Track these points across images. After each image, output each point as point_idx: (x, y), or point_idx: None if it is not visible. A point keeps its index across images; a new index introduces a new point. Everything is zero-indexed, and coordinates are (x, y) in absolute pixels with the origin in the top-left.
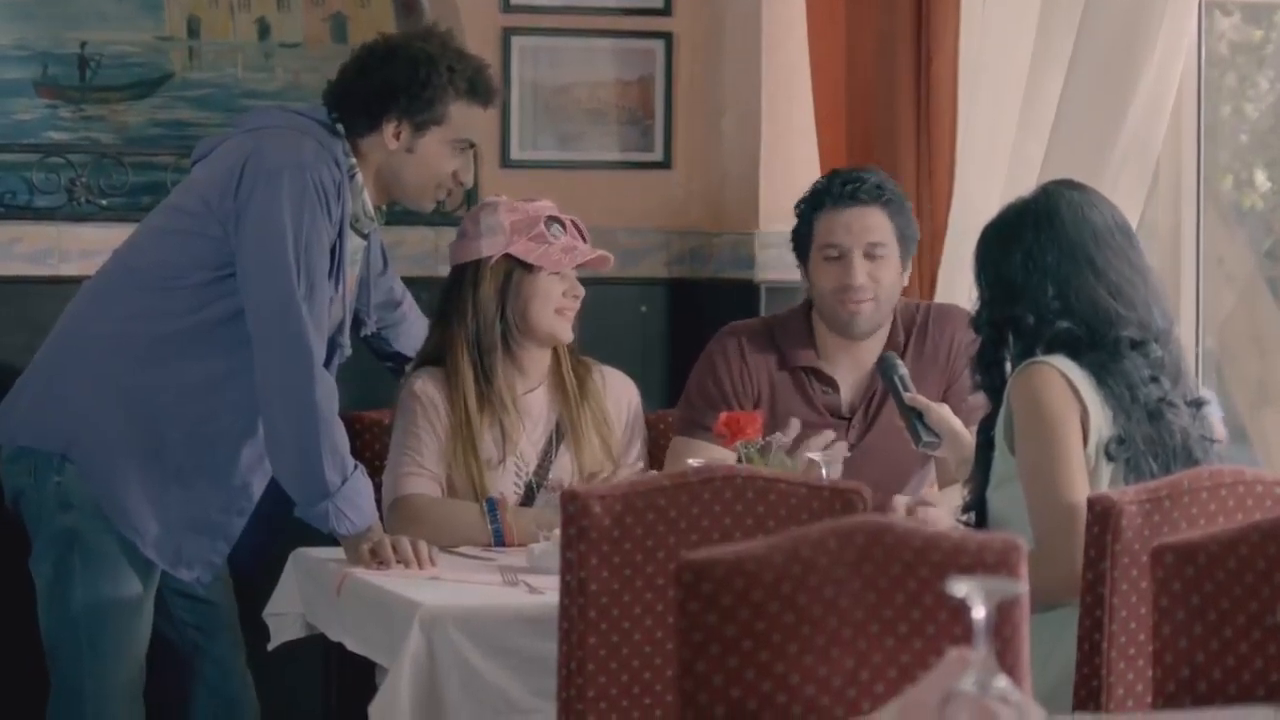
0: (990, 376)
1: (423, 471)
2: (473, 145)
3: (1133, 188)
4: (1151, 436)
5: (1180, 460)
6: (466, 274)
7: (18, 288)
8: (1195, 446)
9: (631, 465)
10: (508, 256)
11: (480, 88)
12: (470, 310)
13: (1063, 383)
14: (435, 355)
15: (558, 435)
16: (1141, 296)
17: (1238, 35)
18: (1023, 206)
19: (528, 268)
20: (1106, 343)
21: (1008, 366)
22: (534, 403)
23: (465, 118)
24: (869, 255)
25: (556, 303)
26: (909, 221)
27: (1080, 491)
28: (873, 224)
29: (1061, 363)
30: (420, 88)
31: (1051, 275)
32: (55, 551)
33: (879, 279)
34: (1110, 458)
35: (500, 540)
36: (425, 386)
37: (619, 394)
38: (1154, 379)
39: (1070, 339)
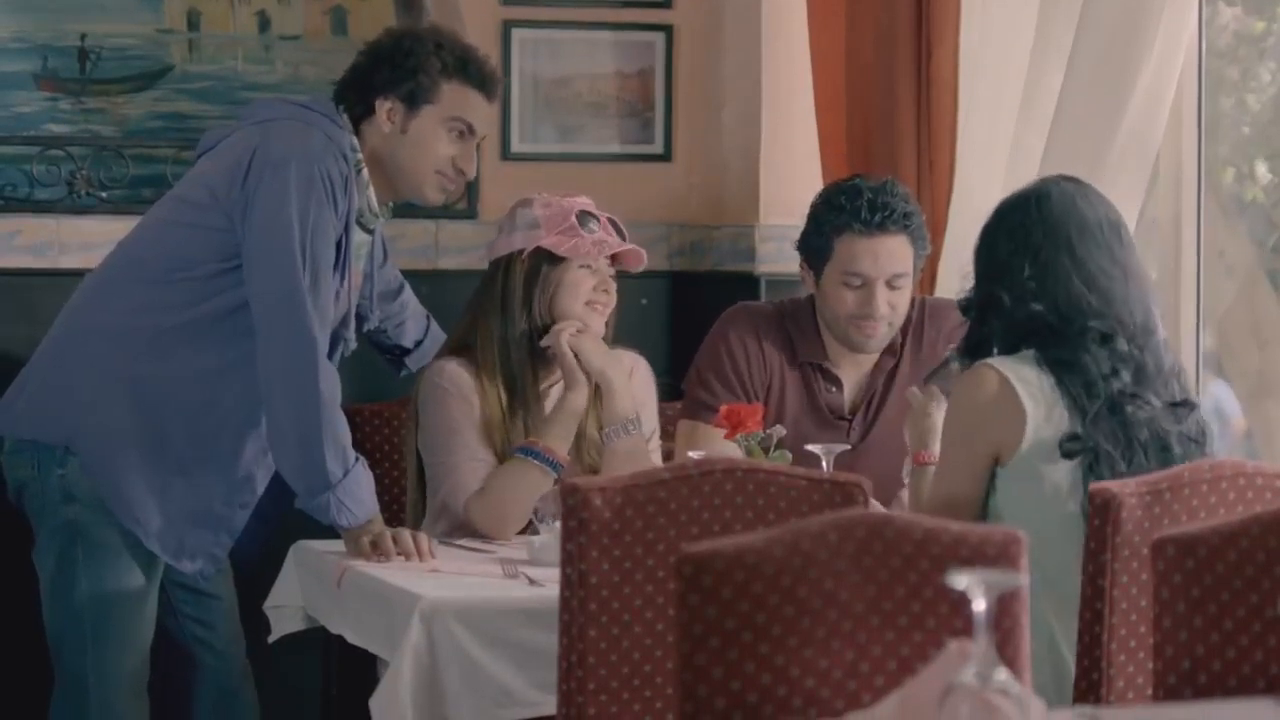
0: (975, 358)
1: (477, 460)
2: (473, 130)
3: (1133, 180)
4: (1115, 432)
5: (1154, 457)
6: (499, 268)
7: (18, 280)
8: (1175, 444)
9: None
10: (539, 250)
11: (472, 69)
12: (499, 303)
13: (996, 388)
14: (462, 344)
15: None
16: (1120, 294)
17: (1240, 27)
18: (1020, 192)
19: (557, 260)
20: (1072, 333)
21: (994, 349)
22: (558, 396)
23: (460, 99)
24: (891, 285)
25: (587, 295)
26: (925, 243)
27: (953, 493)
28: (898, 254)
29: (1007, 364)
30: (403, 56)
31: (1031, 256)
32: (58, 544)
33: (896, 305)
34: (1065, 454)
35: (555, 467)
36: (454, 373)
37: (639, 383)
38: (1114, 372)
39: (1041, 325)
